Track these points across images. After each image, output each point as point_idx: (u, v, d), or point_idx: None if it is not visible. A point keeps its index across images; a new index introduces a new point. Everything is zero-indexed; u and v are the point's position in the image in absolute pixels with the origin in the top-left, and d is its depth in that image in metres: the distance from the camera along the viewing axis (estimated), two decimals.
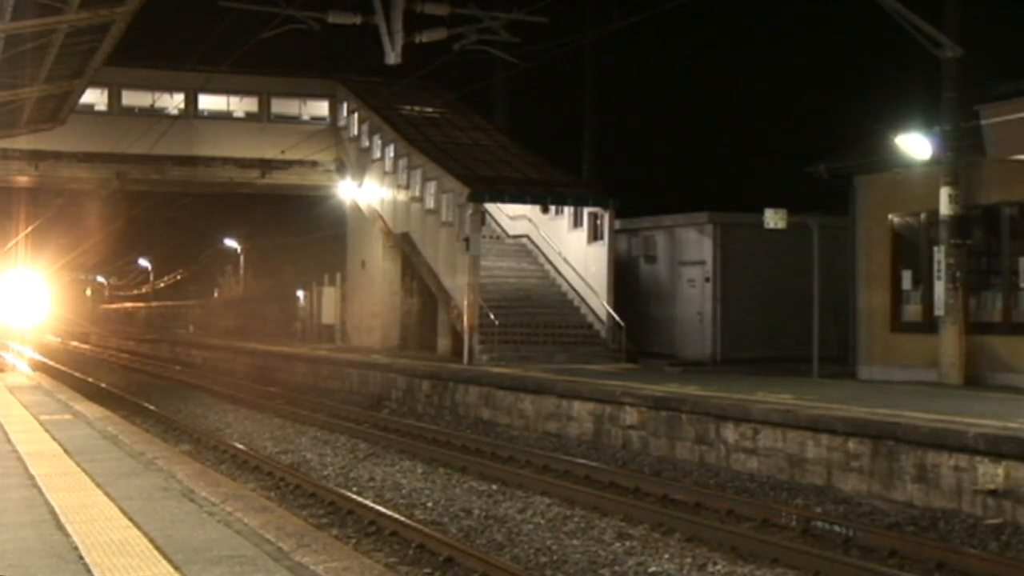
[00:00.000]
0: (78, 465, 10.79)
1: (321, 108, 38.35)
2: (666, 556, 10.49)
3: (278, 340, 43.41)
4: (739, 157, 39.46)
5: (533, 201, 29.29)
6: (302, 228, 49.77)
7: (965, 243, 19.34)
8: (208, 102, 37.27)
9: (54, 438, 13.04)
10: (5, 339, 48.67)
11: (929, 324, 19.90)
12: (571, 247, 29.56)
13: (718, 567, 10.09)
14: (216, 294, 70.59)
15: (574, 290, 29.15)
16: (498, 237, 33.10)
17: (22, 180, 37.19)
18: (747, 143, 39.42)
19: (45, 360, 42.29)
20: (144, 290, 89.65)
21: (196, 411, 24.77)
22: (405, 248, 32.76)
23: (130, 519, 8.04)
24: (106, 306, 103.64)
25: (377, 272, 35.43)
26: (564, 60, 28.82)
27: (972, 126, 17.86)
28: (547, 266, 30.74)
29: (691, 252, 28.72)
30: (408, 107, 35.79)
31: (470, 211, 27.33)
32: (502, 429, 20.65)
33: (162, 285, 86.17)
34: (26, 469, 10.51)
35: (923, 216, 20.65)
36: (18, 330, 42.33)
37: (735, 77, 41.69)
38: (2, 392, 20.34)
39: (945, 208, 19.20)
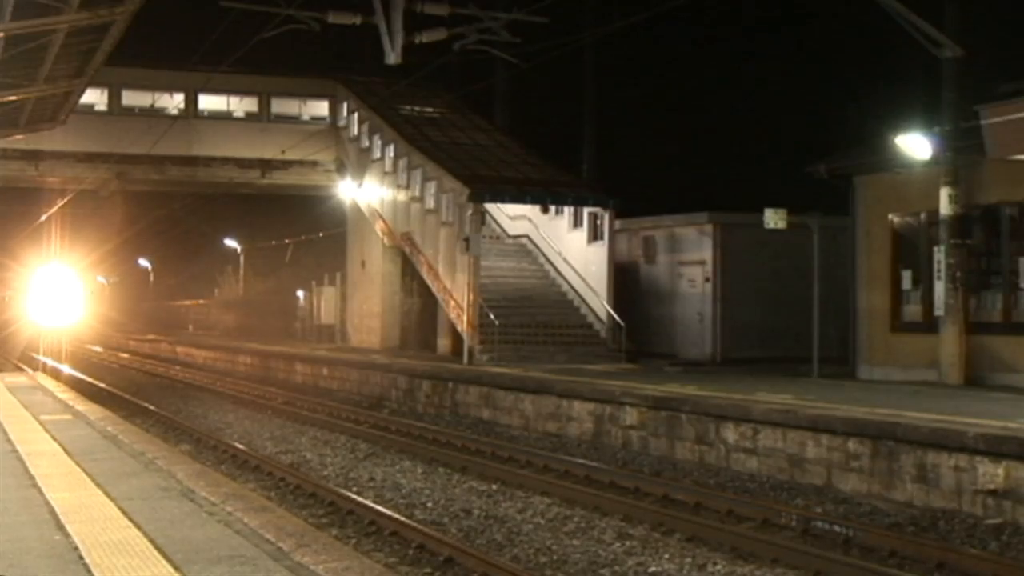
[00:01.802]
0: (78, 465, 10.79)
1: (321, 108, 38.33)
2: (666, 556, 10.48)
3: (278, 340, 43.38)
4: (739, 157, 39.47)
5: (533, 201, 29.28)
6: (302, 228, 49.74)
7: (965, 243, 19.34)
8: (208, 102, 37.25)
9: (54, 438, 13.04)
10: (32, 349, 41.71)
11: (929, 324, 19.90)
12: (571, 247, 29.54)
13: (718, 567, 10.09)
14: (216, 294, 70.55)
15: (574, 290, 29.13)
16: (498, 237, 33.08)
17: (21, 180, 37.15)
18: (748, 143, 39.45)
19: (44, 360, 41.89)
20: (143, 290, 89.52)
21: (196, 411, 24.76)
22: (405, 248, 32.75)
23: (130, 519, 8.04)
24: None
25: (377, 272, 35.41)
26: (564, 60, 28.77)
27: (972, 126, 17.85)
28: (547, 266, 30.72)
29: (691, 252, 28.71)
30: (408, 107, 35.77)
31: (470, 211, 27.33)
32: (502, 429, 20.64)
33: (162, 285, 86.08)
34: (26, 469, 10.50)
35: (923, 216, 20.65)
36: (51, 332, 37.23)
37: (735, 77, 41.71)
38: (2, 392, 20.34)
39: (945, 208, 19.20)
